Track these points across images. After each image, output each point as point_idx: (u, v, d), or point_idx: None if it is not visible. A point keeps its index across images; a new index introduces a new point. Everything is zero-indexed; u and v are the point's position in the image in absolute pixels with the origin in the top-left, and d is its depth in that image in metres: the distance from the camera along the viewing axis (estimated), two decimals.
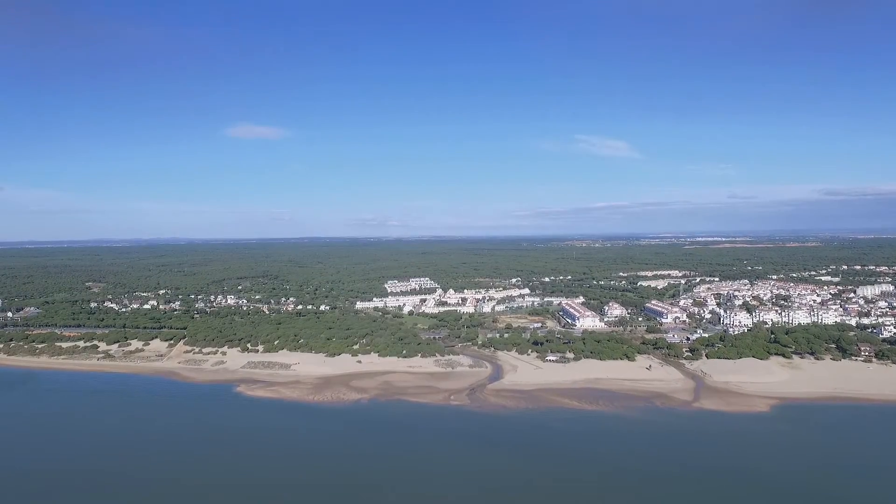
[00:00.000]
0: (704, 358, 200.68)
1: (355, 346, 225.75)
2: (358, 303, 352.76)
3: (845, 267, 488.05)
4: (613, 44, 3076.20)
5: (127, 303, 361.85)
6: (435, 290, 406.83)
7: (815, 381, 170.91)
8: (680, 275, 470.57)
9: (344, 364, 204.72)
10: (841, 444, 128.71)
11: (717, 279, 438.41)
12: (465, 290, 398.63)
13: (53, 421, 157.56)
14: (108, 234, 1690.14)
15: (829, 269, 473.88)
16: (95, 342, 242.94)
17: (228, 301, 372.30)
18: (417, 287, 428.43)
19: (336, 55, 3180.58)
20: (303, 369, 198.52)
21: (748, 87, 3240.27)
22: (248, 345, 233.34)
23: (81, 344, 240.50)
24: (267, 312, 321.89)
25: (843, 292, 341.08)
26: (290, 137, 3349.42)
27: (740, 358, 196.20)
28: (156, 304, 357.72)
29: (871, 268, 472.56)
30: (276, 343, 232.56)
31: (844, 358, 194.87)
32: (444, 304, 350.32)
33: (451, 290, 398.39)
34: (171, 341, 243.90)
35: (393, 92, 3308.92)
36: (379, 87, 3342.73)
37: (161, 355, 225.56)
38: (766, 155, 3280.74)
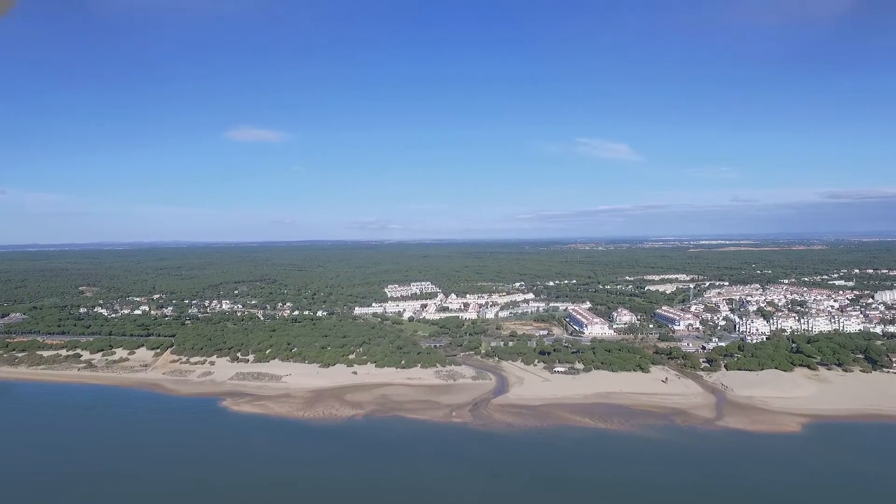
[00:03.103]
0: (724, 369, 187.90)
1: (351, 356, 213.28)
2: (356, 308, 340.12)
3: (857, 271, 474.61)
4: (614, 46, 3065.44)
5: (118, 308, 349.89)
6: (436, 295, 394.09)
7: (847, 396, 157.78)
8: (687, 279, 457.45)
9: (338, 375, 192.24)
10: (887, 470, 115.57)
11: (726, 283, 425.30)
12: (468, 295, 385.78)
13: (15, 437, 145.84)
14: (110, 237, 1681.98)
15: (842, 273, 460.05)
16: (78, 350, 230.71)
17: (223, 306, 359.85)
18: (418, 291, 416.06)
19: (336, 58, 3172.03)
20: (294, 381, 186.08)
21: (750, 89, 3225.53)
22: (239, 354, 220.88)
23: (63, 353, 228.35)
24: (261, 318, 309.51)
25: (861, 297, 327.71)
26: (291, 140, 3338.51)
27: (762, 369, 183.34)
28: (147, 309, 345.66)
29: (885, 272, 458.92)
30: (267, 352, 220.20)
31: (875, 370, 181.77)
32: (446, 309, 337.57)
33: (453, 295, 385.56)
34: (158, 350, 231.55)
35: (394, 95, 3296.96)
36: (380, 89, 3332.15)
37: (146, 365, 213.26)
38: (768, 158, 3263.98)
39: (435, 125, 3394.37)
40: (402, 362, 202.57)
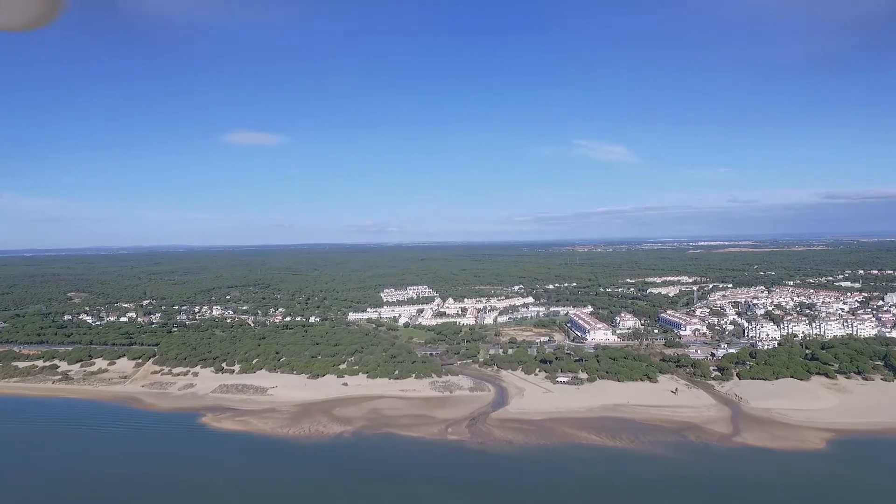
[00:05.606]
0: (736, 378, 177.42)
1: (342, 366, 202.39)
2: (351, 314, 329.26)
3: (862, 272, 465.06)
4: (611, 48, 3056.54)
5: (103, 315, 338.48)
6: (433, 299, 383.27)
7: (871, 408, 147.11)
8: (690, 281, 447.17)
9: (328, 387, 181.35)
10: None
11: (730, 286, 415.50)
12: (465, 299, 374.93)
13: None
14: (109, 242, 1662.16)
15: (847, 275, 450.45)
16: (56, 361, 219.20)
17: (213, 312, 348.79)
18: (415, 296, 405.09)
19: (333, 61, 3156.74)
20: (280, 394, 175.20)
21: (747, 91, 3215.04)
22: (224, 364, 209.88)
23: (40, 363, 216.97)
24: (252, 325, 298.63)
25: (870, 300, 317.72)
26: (288, 144, 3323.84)
27: (777, 378, 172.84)
28: (134, 316, 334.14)
29: (890, 272, 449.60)
30: (254, 362, 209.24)
31: None
32: (443, 314, 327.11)
33: (451, 299, 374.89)
34: (139, 360, 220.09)
35: (392, 97, 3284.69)
36: (377, 92, 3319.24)
37: (125, 377, 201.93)
38: (766, 159, 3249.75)
39: (432, 128, 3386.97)
40: (396, 372, 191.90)
